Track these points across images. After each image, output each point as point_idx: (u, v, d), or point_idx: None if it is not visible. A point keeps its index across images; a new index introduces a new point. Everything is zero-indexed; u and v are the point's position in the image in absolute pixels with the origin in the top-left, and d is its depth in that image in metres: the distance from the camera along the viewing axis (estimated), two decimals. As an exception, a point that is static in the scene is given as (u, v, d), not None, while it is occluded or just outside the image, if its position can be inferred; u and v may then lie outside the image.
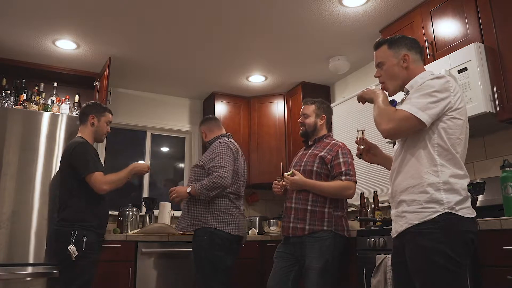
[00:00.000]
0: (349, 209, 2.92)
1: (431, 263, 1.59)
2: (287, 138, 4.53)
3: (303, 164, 2.72)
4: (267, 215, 4.74)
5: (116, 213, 4.15)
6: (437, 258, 1.58)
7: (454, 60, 2.60)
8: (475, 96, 2.45)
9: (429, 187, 1.64)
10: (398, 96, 1.89)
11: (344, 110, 4.18)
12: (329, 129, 2.93)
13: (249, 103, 4.80)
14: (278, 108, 4.69)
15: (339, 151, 2.67)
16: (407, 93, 1.82)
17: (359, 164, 3.64)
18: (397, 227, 1.76)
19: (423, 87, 1.70)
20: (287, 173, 2.67)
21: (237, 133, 4.65)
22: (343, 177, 2.60)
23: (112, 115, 2.98)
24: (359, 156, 2.07)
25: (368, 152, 2.06)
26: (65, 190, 2.69)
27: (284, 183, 2.72)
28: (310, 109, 2.83)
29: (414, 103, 1.67)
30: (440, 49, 2.80)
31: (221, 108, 4.66)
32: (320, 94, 4.34)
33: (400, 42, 1.87)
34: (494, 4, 2.49)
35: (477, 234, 1.67)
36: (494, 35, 2.48)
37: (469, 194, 1.67)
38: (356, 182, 2.66)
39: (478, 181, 2.72)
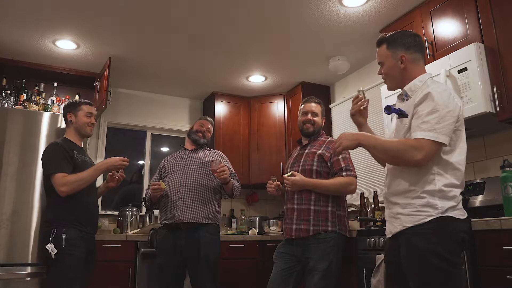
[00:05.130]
0: (349, 209, 2.91)
1: (425, 263, 1.62)
2: (287, 138, 4.53)
3: (301, 164, 2.69)
4: (267, 215, 4.74)
5: (116, 213, 4.15)
6: (431, 258, 1.61)
7: (454, 60, 2.60)
8: (475, 96, 2.45)
9: (425, 193, 1.68)
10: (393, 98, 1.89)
11: (344, 110, 4.18)
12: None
13: (249, 103, 4.80)
14: (278, 108, 4.69)
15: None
16: (405, 95, 1.84)
17: (359, 165, 3.65)
18: (391, 228, 1.79)
19: (433, 103, 1.67)
20: (286, 174, 2.61)
21: (237, 133, 4.65)
22: (344, 173, 2.58)
23: (92, 106, 2.86)
24: (353, 114, 2.04)
25: (361, 114, 2.04)
26: (45, 190, 2.68)
27: (278, 183, 2.72)
28: (319, 109, 2.81)
29: (431, 128, 1.64)
30: (440, 49, 2.80)
31: (221, 108, 4.66)
32: (320, 94, 4.33)
33: (398, 42, 1.86)
34: (494, 4, 2.49)
35: (469, 233, 1.72)
36: (494, 35, 2.48)
37: (461, 199, 1.70)
38: (356, 177, 2.63)
39: (478, 181, 2.72)
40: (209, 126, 3.24)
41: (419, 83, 1.80)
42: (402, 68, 1.84)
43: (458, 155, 1.71)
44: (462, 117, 1.74)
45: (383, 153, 1.78)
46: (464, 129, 1.75)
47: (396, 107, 1.84)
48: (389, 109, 1.83)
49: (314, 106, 2.79)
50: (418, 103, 1.71)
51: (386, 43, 1.88)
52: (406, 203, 1.71)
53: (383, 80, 1.95)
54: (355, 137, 1.81)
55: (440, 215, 1.63)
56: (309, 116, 2.76)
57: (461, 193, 1.72)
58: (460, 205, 1.69)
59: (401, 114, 1.82)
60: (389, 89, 1.95)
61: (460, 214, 1.68)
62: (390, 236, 1.80)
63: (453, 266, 1.63)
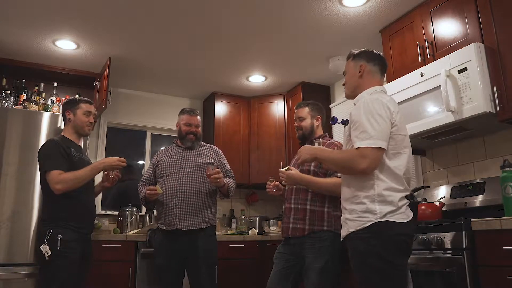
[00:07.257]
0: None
1: (366, 264, 1.76)
2: (287, 138, 4.53)
3: (300, 164, 2.72)
4: (267, 215, 4.74)
5: (116, 213, 4.15)
6: (370, 259, 1.73)
7: (454, 60, 2.60)
8: (475, 96, 2.45)
9: (365, 198, 1.79)
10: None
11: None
12: (326, 129, 2.93)
13: (249, 103, 4.80)
14: (278, 108, 4.69)
15: (336, 149, 2.67)
16: (354, 104, 1.99)
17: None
18: (343, 232, 1.92)
19: (364, 115, 1.79)
20: (283, 169, 2.65)
21: (237, 133, 4.65)
22: (339, 174, 2.60)
23: (91, 104, 2.81)
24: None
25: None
26: (42, 188, 2.64)
27: (277, 182, 2.74)
28: (305, 111, 2.82)
29: (368, 136, 1.75)
30: (440, 49, 2.80)
31: (221, 108, 4.66)
32: (320, 94, 4.34)
33: (361, 55, 2.03)
34: (494, 4, 2.49)
35: (411, 235, 1.82)
36: (494, 35, 2.48)
37: (403, 203, 1.78)
38: None
39: (478, 181, 2.72)
40: (197, 119, 3.08)
41: (366, 95, 1.93)
42: (359, 76, 1.99)
43: (398, 160, 1.81)
44: (400, 123, 1.84)
45: (333, 165, 1.95)
46: (407, 135, 1.87)
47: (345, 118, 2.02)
48: (333, 120, 2.03)
49: (298, 111, 2.85)
50: (353, 114, 1.87)
51: (353, 56, 2.06)
52: (351, 209, 1.84)
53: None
54: (313, 152, 2.01)
55: (379, 220, 1.73)
56: (296, 123, 2.84)
57: (409, 197, 1.81)
58: (403, 209, 1.77)
59: (345, 123, 2.00)
60: (346, 96, 2.10)
61: (402, 218, 1.76)
62: (342, 239, 1.94)
63: (392, 267, 1.73)
